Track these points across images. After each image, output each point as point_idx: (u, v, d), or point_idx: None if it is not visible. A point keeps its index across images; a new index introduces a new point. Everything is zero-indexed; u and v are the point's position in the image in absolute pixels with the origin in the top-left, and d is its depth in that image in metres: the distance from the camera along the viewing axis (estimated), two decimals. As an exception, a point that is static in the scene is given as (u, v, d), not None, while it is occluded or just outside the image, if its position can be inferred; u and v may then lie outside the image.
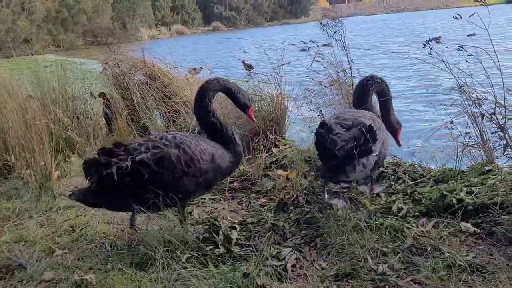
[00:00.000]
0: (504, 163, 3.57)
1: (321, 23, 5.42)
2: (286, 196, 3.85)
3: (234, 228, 3.40)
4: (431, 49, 3.58)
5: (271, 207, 3.83)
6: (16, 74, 7.00)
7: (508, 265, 2.67)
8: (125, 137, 5.84)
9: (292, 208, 3.71)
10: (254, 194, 4.22)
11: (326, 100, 5.40)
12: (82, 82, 6.85)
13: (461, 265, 2.69)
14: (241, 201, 4.14)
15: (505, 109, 3.19)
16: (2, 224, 3.85)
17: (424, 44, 3.61)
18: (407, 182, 4.00)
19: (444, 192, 3.44)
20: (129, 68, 6.66)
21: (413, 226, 3.19)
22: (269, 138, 5.17)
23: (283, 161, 4.76)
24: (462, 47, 3.43)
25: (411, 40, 22.45)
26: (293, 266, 2.88)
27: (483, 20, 3.31)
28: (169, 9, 71.52)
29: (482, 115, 3.36)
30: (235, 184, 4.48)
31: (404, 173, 4.14)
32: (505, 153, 3.19)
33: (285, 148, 5.12)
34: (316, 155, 3.69)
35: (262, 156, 4.77)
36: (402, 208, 3.50)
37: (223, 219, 3.69)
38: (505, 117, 3.17)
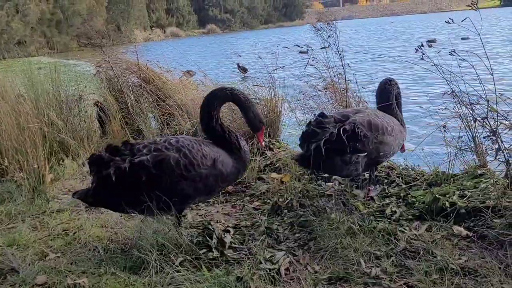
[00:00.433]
0: (496, 167, 3.60)
1: (315, 27, 5.43)
2: (280, 199, 3.86)
3: (228, 231, 3.41)
4: (423, 53, 3.60)
5: (265, 211, 3.83)
6: (9, 76, 6.97)
7: (500, 268, 2.69)
8: (118, 140, 5.82)
9: (286, 211, 3.71)
10: (248, 197, 4.23)
11: (320, 103, 5.41)
12: (76, 85, 6.84)
13: (453, 268, 2.71)
14: (235, 204, 4.15)
15: (497, 114, 3.22)
16: (-5, 227, 3.83)
17: (416, 49, 3.63)
18: (401, 185, 4.03)
19: (437, 195, 3.46)
20: (122, 71, 6.64)
21: (406, 230, 3.21)
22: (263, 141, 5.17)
23: (277, 164, 4.76)
24: (455, 52, 3.45)
25: (407, 43, 22.58)
26: (287, 269, 2.89)
27: (479, 23, 3.34)
28: (164, 12, 71.57)
29: (475, 120, 3.39)
30: (229, 187, 4.48)
31: (398, 177, 4.17)
32: (497, 157, 3.22)
33: (279, 151, 5.12)
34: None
35: (256, 159, 4.77)
36: (395, 212, 3.51)
37: (217, 222, 3.69)
38: (497, 121, 3.20)
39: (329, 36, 5.36)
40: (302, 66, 5.71)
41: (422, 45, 3.62)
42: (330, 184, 4.12)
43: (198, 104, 6.06)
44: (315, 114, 4.99)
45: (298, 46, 6.23)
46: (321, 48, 5.63)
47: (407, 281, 2.67)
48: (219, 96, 3.41)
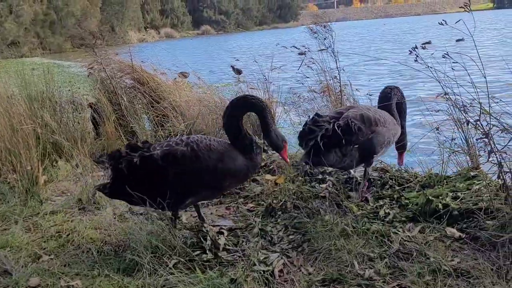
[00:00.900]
0: (489, 169, 3.62)
1: (311, 29, 5.45)
2: (274, 201, 3.85)
3: (222, 233, 3.40)
4: (417, 55, 3.62)
5: (259, 212, 3.83)
6: (3, 77, 6.95)
7: (492, 269, 2.70)
8: (112, 142, 5.81)
9: (280, 213, 3.71)
10: (242, 199, 4.22)
11: (315, 105, 5.43)
12: (70, 86, 6.82)
13: (446, 270, 2.72)
14: (229, 206, 4.14)
15: (490, 116, 3.24)
16: (-12, 229, 3.81)
17: (410, 51, 3.65)
18: (394, 187, 4.04)
19: (430, 197, 3.47)
20: (116, 72, 6.62)
21: (399, 231, 3.22)
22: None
23: (272, 166, 4.77)
24: (448, 54, 3.47)
25: (402, 45, 22.67)
26: (281, 271, 2.89)
27: (472, 25, 3.36)
28: (158, 13, 71.47)
29: (467, 122, 3.41)
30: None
31: (391, 178, 4.18)
32: (489, 159, 3.23)
33: (273, 153, 5.13)
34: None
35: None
36: (389, 213, 3.53)
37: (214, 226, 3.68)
38: (490, 124, 3.21)
39: (325, 39, 5.38)
40: (297, 68, 5.73)
41: (416, 47, 3.63)
42: (324, 186, 4.13)
43: (192, 105, 6.07)
44: (309, 116, 5.02)
45: (296, 48, 6.25)
46: (319, 50, 5.65)
47: (400, 283, 2.68)
48: (250, 102, 3.46)
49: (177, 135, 5.63)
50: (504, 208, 3.05)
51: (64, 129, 5.59)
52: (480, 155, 3.89)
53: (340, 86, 5.35)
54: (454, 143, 4.02)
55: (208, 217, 3.90)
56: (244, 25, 78.01)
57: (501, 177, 3.14)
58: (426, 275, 2.69)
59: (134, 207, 4.05)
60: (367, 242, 3.10)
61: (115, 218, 3.77)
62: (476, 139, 3.54)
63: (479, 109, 3.27)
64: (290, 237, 3.35)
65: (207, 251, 3.12)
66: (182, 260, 3.00)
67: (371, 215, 3.56)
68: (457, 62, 3.47)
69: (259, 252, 3.07)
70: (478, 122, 3.23)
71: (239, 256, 3.07)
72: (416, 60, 3.65)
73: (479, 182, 3.64)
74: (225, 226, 3.58)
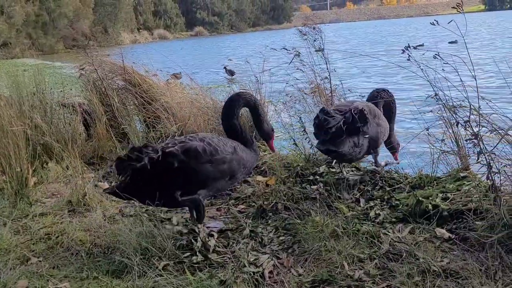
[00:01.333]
0: (479, 169, 3.63)
1: (300, 31, 5.45)
2: (265, 203, 3.85)
3: (212, 235, 3.39)
4: (409, 55, 3.62)
5: (250, 214, 3.83)
6: (-7, 78, 6.90)
7: (480, 270, 2.71)
8: (104, 143, 5.78)
9: (271, 214, 3.71)
10: (233, 201, 4.21)
11: (306, 106, 5.43)
12: (61, 87, 6.77)
13: (435, 270, 2.73)
14: (219, 207, 4.13)
15: (479, 116, 3.25)
16: (-24, 231, 3.77)
17: (403, 50, 3.65)
18: (385, 188, 4.05)
19: (420, 198, 3.48)
20: (107, 73, 6.58)
21: (389, 232, 3.22)
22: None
23: (263, 167, 4.77)
24: (439, 55, 3.49)
25: (394, 47, 22.76)
26: (271, 272, 2.89)
27: (464, 27, 3.39)
28: (151, 14, 71.32)
29: (457, 123, 3.42)
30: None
31: (382, 179, 4.19)
32: (479, 160, 3.25)
33: (265, 154, 5.13)
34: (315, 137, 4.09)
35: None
36: (379, 214, 3.53)
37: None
38: (479, 125, 3.23)
39: (314, 40, 5.38)
40: (288, 69, 5.73)
41: (409, 47, 3.64)
42: (315, 187, 4.14)
43: (184, 107, 6.05)
44: (300, 118, 5.02)
45: (286, 50, 6.24)
46: (316, 51, 5.64)
47: (390, 284, 2.69)
48: (244, 98, 3.83)
49: (168, 136, 5.61)
50: (493, 209, 3.06)
51: (55, 131, 5.55)
52: (469, 156, 3.91)
53: (330, 86, 5.35)
54: (444, 144, 4.03)
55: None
56: (238, 26, 78.08)
57: (490, 178, 3.15)
58: (416, 276, 2.70)
59: (125, 209, 4.05)
60: (357, 243, 3.10)
61: (105, 220, 3.76)
62: (465, 140, 3.56)
63: (469, 110, 3.29)
64: (281, 238, 3.35)
65: (197, 253, 3.11)
66: (171, 262, 2.98)
67: (362, 216, 3.57)
68: (447, 63, 3.49)
69: (249, 254, 3.07)
70: (468, 123, 3.25)
71: (229, 258, 3.06)
72: (408, 59, 3.66)
73: (468, 183, 3.66)
74: (215, 227, 3.57)
